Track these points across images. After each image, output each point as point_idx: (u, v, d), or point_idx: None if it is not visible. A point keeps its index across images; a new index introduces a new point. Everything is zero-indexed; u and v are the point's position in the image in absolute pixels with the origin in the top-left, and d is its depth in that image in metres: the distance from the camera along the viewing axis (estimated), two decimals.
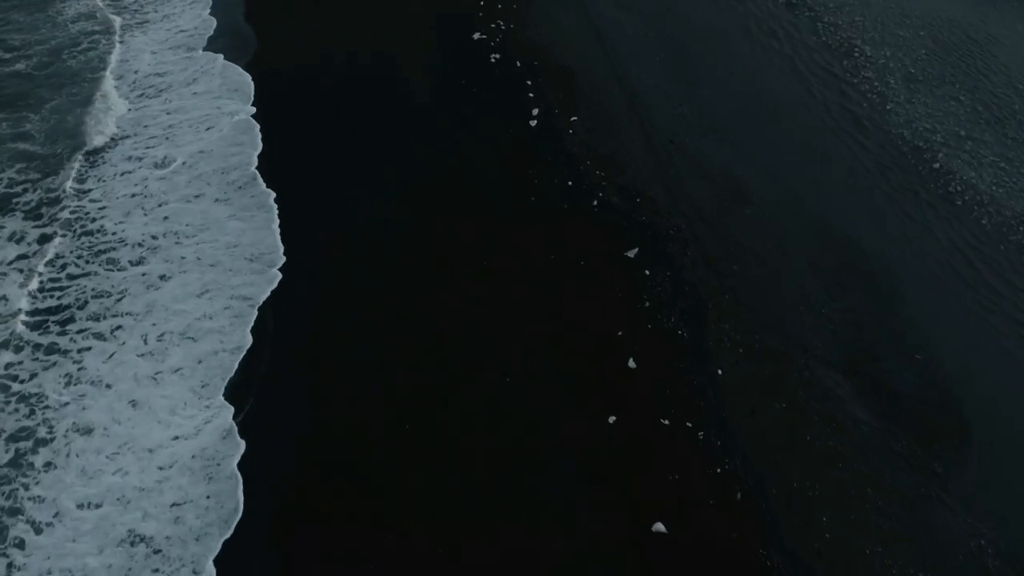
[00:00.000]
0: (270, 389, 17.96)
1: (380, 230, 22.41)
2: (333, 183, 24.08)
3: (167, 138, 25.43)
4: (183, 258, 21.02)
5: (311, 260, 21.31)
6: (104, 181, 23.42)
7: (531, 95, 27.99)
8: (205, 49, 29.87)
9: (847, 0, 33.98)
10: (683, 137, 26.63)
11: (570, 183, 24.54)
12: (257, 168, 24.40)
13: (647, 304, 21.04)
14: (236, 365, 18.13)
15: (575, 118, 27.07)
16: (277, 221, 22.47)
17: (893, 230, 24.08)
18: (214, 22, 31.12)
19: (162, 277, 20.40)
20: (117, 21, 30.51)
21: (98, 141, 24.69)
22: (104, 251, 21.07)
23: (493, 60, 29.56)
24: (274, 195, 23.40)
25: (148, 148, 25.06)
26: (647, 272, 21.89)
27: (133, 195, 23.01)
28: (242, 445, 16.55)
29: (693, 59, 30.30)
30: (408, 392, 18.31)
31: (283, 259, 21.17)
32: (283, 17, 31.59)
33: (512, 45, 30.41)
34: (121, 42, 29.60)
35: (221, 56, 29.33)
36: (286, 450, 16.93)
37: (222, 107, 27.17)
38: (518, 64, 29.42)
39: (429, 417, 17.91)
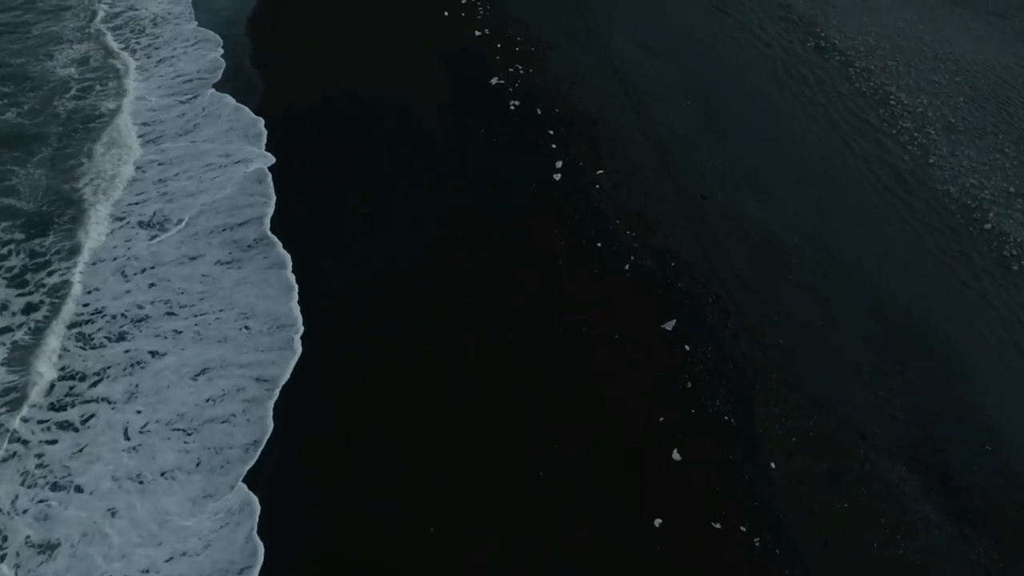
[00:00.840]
0: (291, 494, 16.04)
1: (401, 295, 20.64)
2: (350, 240, 22.35)
3: (165, 193, 23.71)
4: (178, 332, 19.14)
5: (331, 331, 19.50)
6: (92, 239, 21.63)
7: (554, 145, 26.39)
8: (214, 91, 28.35)
9: (877, 44, 32.61)
10: (716, 192, 25.01)
11: (599, 244, 22.84)
12: (269, 224, 22.76)
13: (689, 385, 19.24)
14: (246, 464, 16.20)
15: (601, 171, 25.45)
16: (295, 286, 20.72)
17: (947, 298, 22.42)
18: (222, 63, 29.58)
19: (153, 354, 18.50)
20: (118, 64, 28.95)
21: (88, 195, 22.96)
22: (76, 324, 19.11)
23: (512, 107, 28.00)
24: (289, 257, 21.73)
25: (145, 202, 23.32)
26: (687, 347, 20.13)
27: (117, 258, 21.16)
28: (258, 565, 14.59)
29: (721, 106, 28.79)
30: (437, 491, 16.43)
31: (301, 329, 19.37)
32: (294, 58, 30.06)
33: (531, 91, 28.88)
34: (119, 89, 27.98)
35: (230, 98, 27.77)
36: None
37: (232, 154, 25.51)
38: (538, 111, 27.86)
39: (459, 513, 16.03)
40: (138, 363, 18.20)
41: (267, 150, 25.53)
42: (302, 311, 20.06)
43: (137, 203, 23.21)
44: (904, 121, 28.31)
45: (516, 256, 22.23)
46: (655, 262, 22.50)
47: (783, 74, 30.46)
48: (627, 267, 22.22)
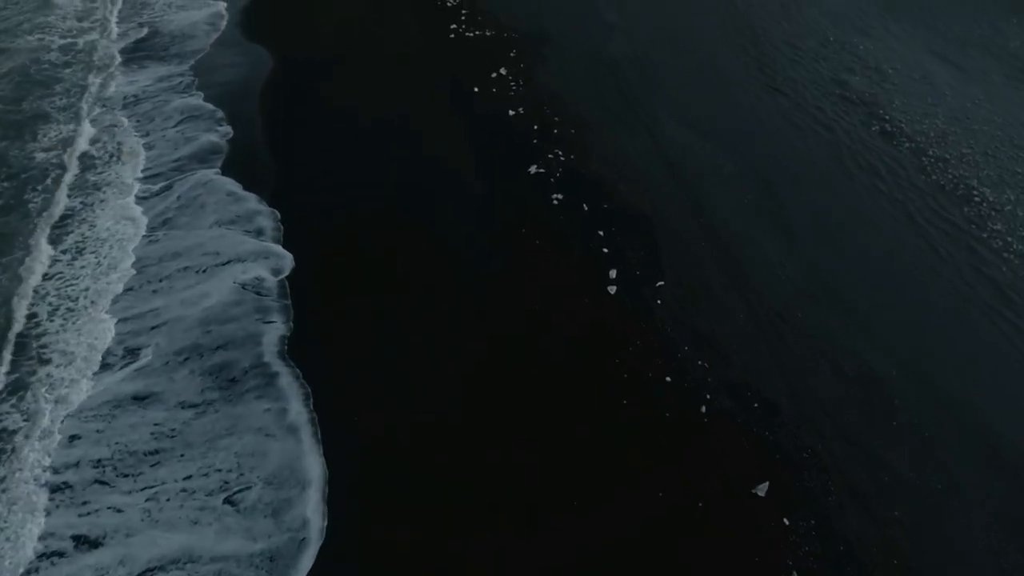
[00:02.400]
0: None
1: (443, 461, 17.27)
2: (379, 376, 19.05)
3: (133, 308, 20.43)
4: (118, 511, 15.52)
5: (362, 499, 16.09)
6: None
7: (605, 249, 23.27)
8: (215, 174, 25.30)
9: (948, 128, 29.83)
10: (794, 309, 21.84)
11: (668, 379, 19.57)
12: (277, 345, 19.53)
13: (794, 575, 15.83)
14: None
15: (661, 283, 22.28)
16: (308, 436, 17.39)
17: None
18: (225, 146, 26.52)
19: (78, 544, 14.93)
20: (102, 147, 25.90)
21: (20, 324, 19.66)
22: None
23: (555, 202, 24.94)
24: (298, 391, 18.43)
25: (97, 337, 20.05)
26: (785, 521, 16.74)
27: (42, 400, 17.73)
28: None
29: (786, 201, 25.78)
30: None
31: (320, 507, 15.99)
32: (310, 138, 27.03)
33: (575, 181, 25.85)
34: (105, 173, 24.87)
35: (231, 182, 24.63)
36: None
37: (222, 252, 22.30)
38: (585, 208, 24.79)
39: None
40: (52, 559, 14.71)
41: (272, 245, 22.43)
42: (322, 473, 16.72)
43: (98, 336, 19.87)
44: (994, 223, 25.35)
45: (571, 395, 18.92)
46: (735, 403, 19.20)
47: (851, 163, 27.55)
48: (704, 409, 18.92)
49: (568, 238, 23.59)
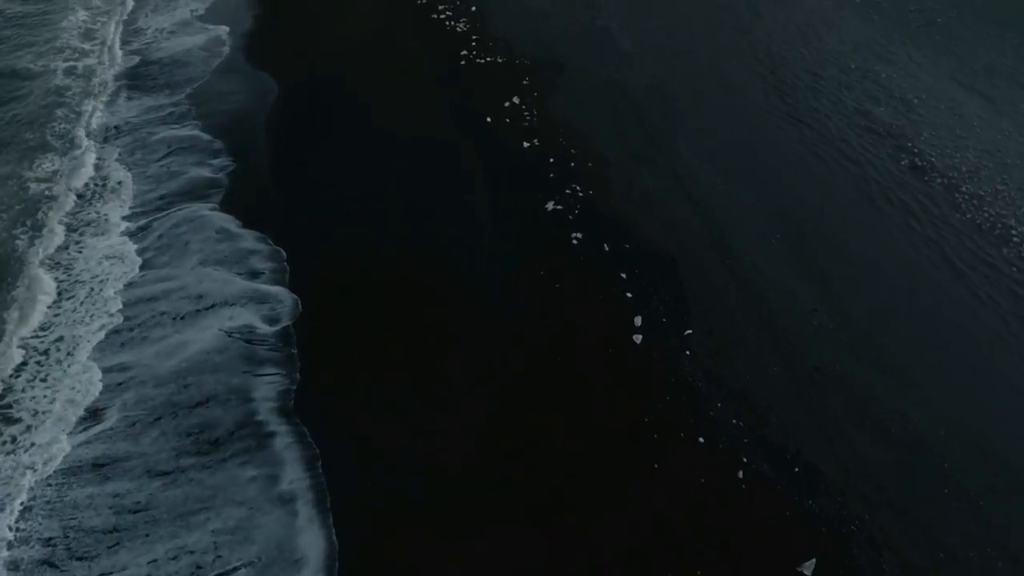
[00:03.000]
0: None
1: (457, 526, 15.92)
2: (396, 431, 17.74)
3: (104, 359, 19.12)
4: None
5: None
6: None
7: (629, 294, 22.00)
8: (211, 210, 24.02)
9: (980, 162, 28.68)
10: (831, 363, 20.54)
11: (701, 439, 18.24)
12: (277, 399, 18.24)
13: None
14: None
15: (690, 331, 21.00)
16: (312, 512, 16.04)
17: None
18: (224, 179, 25.31)
19: None
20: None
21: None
22: None
23: (575, 241, 23.70)
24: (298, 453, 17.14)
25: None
26: None
27: None
28: None
29: (817, 242, 24.54)
30: None
31: None
32: (313, 175, 25.86)
33: (594, 219, 24.62)
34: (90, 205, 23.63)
35: (234, 221, 23.38)
36: None
37: (206, 295, 21.04)
38: (606, 248, 23.56)
39: None
40: None
41: (270, 287, 21.15)
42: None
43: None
44: None
45: (593, 462, 17.59)
46: (775, 467, 17.86)
47: (881, 200, 26.35)
48: (741, 474, 17.57)
49: (589, 281, 22.33)
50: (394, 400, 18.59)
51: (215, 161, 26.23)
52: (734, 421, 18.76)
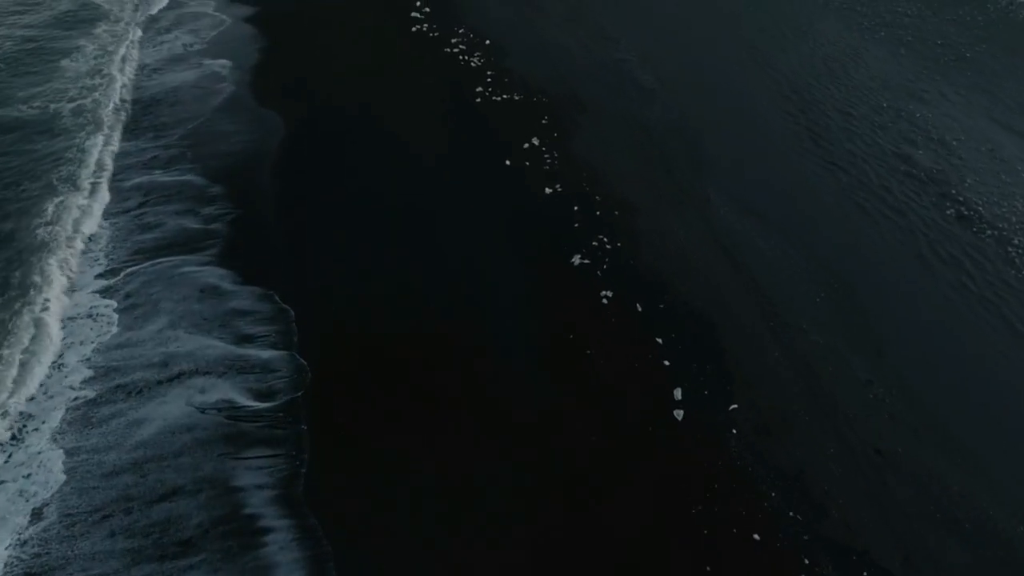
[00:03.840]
0: None
1: None
2: (421, 525, 15.82)
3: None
4: None
5: None
6: None
7: (666, 362, 20.18)
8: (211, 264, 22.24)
9: None
10: (894, 444, 18.68)
11: (756, 536, 16.34)
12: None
13: None
14: None
15: (735, 406, 19.16)
16: None
17: None
18: (223, 229, 23.54)
19: None
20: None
21: None
22: None
23: (605, 300, 21.93)
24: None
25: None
26: None
27: None
28: None
29: (864, 301, 22.78)
30: None
31: None
32: (322, 219, 24.13)
33: (626, 276, 22.88)
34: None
35: (226, 275, 21.55)
36: None
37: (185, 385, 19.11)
38: (639, 308, 21.77)
39: None
40: None
41: (262, 352, 19.27)
42: None
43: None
44: None
45: (635, 565, 15.66)
46: (839, 569, 15.93)
47: (931, 256, 24.61)
48: None
49: (623, 348, 20.52)
50: (416, 482, 16.72)
51: (209, 209, 24.45)
52: (791, 513, 16.86)
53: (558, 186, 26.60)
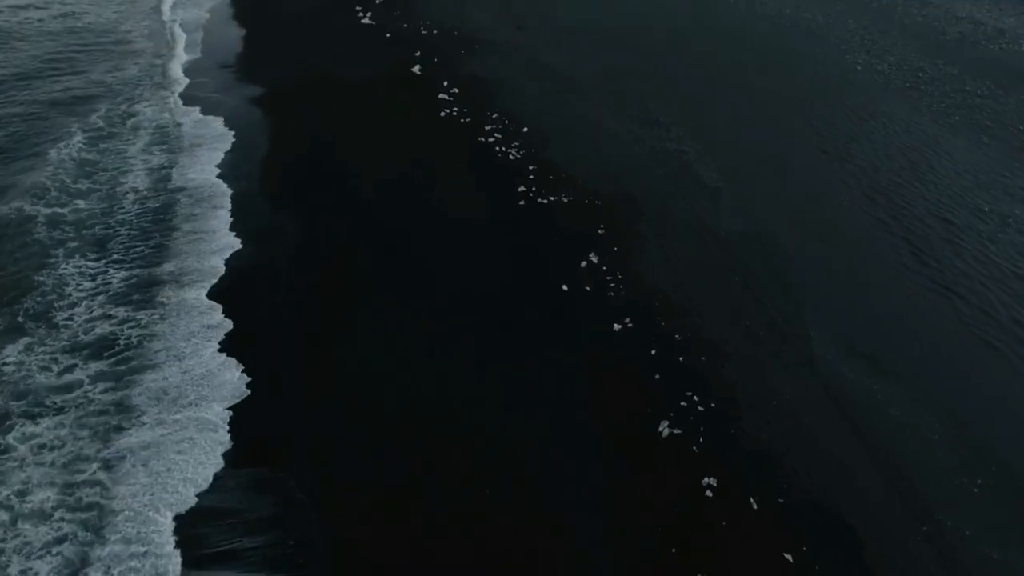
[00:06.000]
0: None
1: None
2: None
3: None
4: None
5: None
6: None
7: (789, 557, 15.36)
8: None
9: None
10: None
11: None
12: None
13: None
14: None
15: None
16: None
17: None
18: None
19: None
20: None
21: None
22: None
23: (709, 492, 17.20)
24: None
25: None
26: None
27: None
28: None
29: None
30: None
31: None
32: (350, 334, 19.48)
33: (725, 450, 18.25)
34: None
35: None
36: None
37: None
38: (753, 504, 17.02)
39: None
40: None
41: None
42: None
43: None
44: None
45: None
46: None
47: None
48: None
49: (741, 560, 15.72)
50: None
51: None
52: None
53: (628, 321, 22.09)
